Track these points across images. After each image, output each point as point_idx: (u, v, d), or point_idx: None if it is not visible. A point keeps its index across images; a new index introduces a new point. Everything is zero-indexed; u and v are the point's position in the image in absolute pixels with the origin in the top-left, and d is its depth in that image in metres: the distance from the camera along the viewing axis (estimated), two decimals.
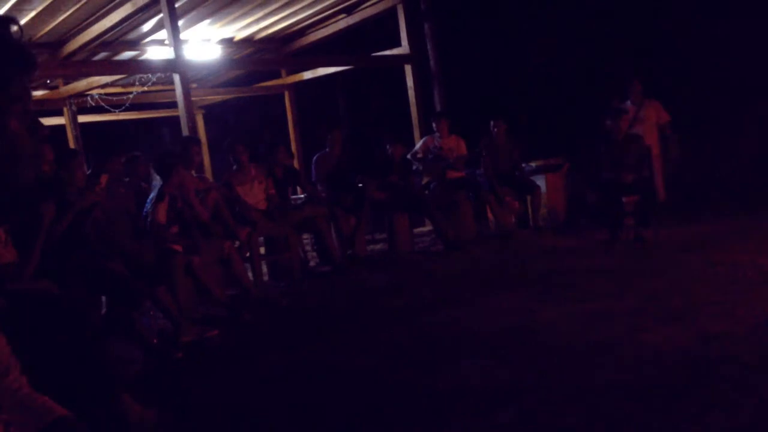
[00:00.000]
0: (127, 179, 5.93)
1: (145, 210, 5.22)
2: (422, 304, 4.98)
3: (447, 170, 7.78)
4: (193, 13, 7.69)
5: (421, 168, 7.92)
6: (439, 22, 9.52)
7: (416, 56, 9.01)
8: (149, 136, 14.13)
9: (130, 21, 7.38)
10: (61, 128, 9.69)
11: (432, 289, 5.50)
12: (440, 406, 3.07)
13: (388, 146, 7.55)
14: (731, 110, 8.97)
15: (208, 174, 10.15)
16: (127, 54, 9.03)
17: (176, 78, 7.06)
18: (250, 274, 6.00)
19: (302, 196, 7.56)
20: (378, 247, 7.70)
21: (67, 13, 7.14)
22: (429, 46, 9.36)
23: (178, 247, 5.06)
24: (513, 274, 5.74)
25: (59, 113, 9.80)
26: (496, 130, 7.82)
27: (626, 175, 6.40)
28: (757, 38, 8.55)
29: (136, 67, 8.47)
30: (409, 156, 7.86)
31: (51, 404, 1.27)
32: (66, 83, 9.45)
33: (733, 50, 8.94)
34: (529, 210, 7.84)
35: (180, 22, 7.25)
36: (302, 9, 8.62)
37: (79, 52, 8.14)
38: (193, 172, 5.86)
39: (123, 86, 9.96)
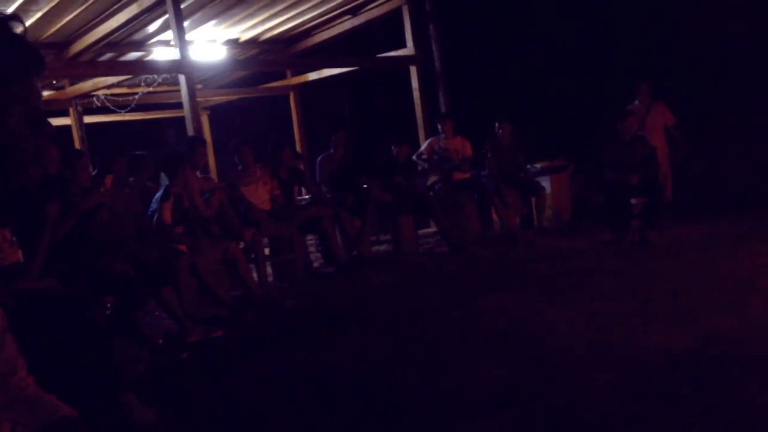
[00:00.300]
0: (131, 179, 5.93)
1: (151, 209, 5.23)
2: (426, 305, 4.98)
3: (453, 172, 7.77)
4: (198, 14, 7.70)
5: (426, 168, 7.92)
6: (444, 24, 9.50)
7: (421, 57, 9.00)
8: (155, 137, 14.15)
9: (135, 22, 7.40)
10: (66, 129, 9.72)
11: (436, 290, 5.50)
12: (441, 407, 3.07)
13: (393, 147, 7.55)
14: (735, 111, 8.95)
15: (213, 175, 10.17)
16: (133, 55, 9.06)
17: (182, 79, 7.09)
18: (254, 275, 6.01)
19: (307, 197, 7.56)
20: (383, 248, 7.70)
21: (73, 14, 7.16)
22: (434, 48, 9.34)
23: (183, 248, 5.07)
24: (518, 275, 5.73)
25: (65, 114, 9.84)
26: (500, 131, 7.82)
27: (631, 176, 6.40)
28: (763, 40, 8.53)
29: (141, 67, 8.49)
30: (414, 157, 7.85)
31: (57, 403, 1.27)
32: (72, 84, 9.49)
33: (735, 50, 8.92)
34: (534, 211, 7.83)
35: (186, 23, 7.27)
36: (307, 10, 8.63)
37: (85, 53, 8.17)
38: (198, 172, 5.87)
39: (129, 87, 10.00)
